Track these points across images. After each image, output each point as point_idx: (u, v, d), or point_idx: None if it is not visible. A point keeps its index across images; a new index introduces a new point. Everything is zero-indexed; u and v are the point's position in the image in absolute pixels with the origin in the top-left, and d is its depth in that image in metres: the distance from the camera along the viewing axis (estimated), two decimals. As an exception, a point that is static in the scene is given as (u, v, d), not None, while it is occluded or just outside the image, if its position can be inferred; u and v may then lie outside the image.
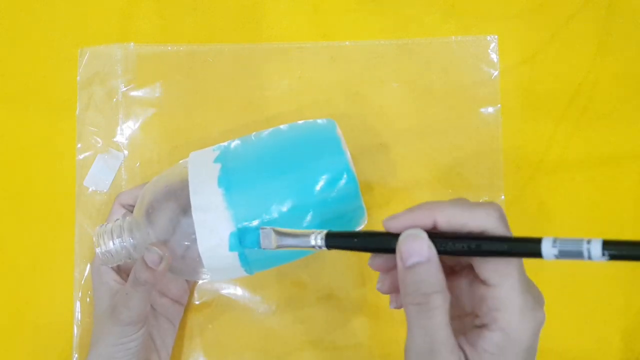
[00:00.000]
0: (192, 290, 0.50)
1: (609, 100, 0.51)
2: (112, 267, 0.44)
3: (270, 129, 0.43)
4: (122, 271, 0.45)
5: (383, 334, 0.49)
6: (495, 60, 0.50)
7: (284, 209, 0.39)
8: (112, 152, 0.51)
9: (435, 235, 0.30)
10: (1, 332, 0.50)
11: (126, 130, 0.51)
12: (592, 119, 0.51)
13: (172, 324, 0.47)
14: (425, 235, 0.30)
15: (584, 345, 0.49)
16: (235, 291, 0.50)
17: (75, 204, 0.50)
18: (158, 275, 0.39)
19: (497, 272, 0.29)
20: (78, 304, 0.50)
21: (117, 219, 0.42)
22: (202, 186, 0.39)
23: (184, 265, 0.40)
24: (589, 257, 0.27)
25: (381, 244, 0.32)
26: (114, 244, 0.40)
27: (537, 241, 0.28)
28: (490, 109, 0.50)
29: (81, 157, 0.50)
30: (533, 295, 0.29)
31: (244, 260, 0.39)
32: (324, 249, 0.34)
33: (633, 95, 0.51)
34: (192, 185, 0.39)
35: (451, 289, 0.31)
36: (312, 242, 0.34)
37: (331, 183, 0.39)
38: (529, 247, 0.28)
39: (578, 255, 0.27)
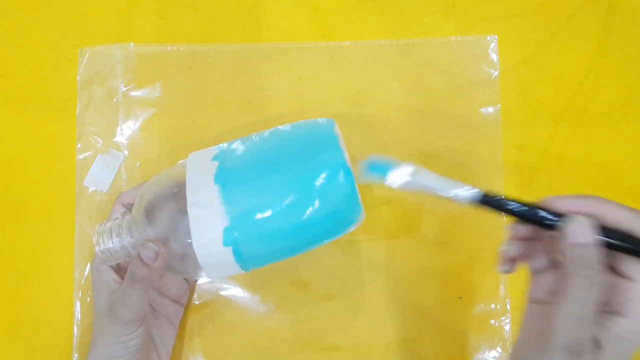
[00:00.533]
0: (192, 290, 0.50)
1: (609, 100, 0.51)
2: (111, 266, 0.44)
3: (271, 129, 0.43)
4: (122, 270, 0.45)
5: (383, 334, 0.49)
6: (495, 60, 0.50)
7: (280, 205, 0.38)
8: (112, 152, 0.51)
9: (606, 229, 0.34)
10: (1, 332, 0.50)
11: (126, 130, 0.51)
12: (592, 119, 0.51)
13: (172, 324, 0.47)
14: (590, 223, 0.34)
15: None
16: (235, 291, 0.50)
17: (75, 203, 0.50)
18: (154, 272, 0.39)
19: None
20: (78, 304, 0.49)
21: (117, 218, 0.42)
22: (199, 183, 0.39)
23: (181, 263, 0.40)
24: None
25: (540, 217, 0.35)
26: (112, 242, 0.41)
27: None
28: (491, 109, 0.50)
29: (81, 157, 0.50)
30: None
31: (239, 256, 0.39)
32: (471, 203, 0.36)
33: (633, 95, 0.51)
34: (189, 182, 0.39)
35: None
36: (460, 193, 0.36)
37: (328, 180, 0.39)
38: None
39: None
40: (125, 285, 0.40)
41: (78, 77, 0.51)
